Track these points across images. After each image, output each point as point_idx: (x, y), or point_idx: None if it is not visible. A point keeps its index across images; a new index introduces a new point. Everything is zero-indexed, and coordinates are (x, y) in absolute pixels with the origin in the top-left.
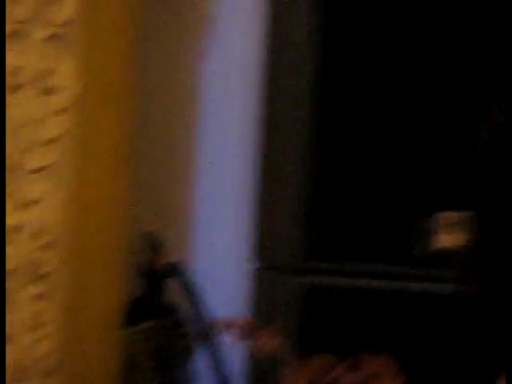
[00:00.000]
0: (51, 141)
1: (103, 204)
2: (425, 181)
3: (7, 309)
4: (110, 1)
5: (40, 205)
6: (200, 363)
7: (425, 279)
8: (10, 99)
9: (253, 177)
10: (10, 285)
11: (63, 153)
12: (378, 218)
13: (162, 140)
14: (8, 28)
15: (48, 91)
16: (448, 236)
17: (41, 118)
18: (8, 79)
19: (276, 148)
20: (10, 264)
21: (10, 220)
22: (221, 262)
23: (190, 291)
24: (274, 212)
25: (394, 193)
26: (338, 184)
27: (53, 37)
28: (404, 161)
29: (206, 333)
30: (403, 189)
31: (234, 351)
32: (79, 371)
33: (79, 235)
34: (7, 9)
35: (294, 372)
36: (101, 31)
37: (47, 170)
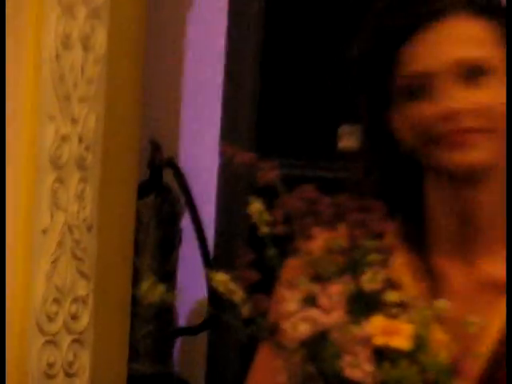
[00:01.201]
0: None
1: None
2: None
3: None
4: None
5: None
6: (186, 227)
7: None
8: None
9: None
10: None
11: None
12: (312, 123)
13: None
14: None
15: None
16: (346, 141)
17: None
18: None
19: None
20: None
21: None
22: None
23: (180, 178)
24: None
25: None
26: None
27: None
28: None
29: (191, 205)
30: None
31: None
32: None
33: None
34: None
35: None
36: None
37: None
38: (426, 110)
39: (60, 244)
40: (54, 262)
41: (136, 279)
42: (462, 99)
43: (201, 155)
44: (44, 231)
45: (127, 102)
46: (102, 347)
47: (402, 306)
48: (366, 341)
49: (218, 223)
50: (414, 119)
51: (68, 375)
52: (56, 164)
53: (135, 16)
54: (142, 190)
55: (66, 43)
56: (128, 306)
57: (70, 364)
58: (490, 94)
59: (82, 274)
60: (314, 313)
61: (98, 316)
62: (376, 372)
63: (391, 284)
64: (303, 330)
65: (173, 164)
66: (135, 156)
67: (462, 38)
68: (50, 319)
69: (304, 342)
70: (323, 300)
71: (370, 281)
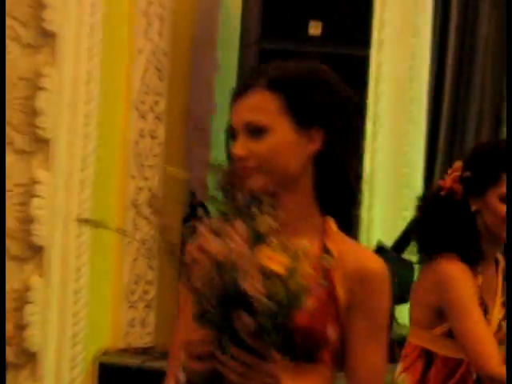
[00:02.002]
0: None
1: None
2: None
3: None
4: None
5: None
6: None
7: None
8: None
9: None
10: None
11: None
12: None
13: None
14: None
15: None
16: None
17: None
18: None
19: None
20: None
21: None
22: None
23: (207, 212)
24: None
25: None
26: None
27: None
28: None
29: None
30: None
31: None
32: None
33: None
34: None
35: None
36: None
37: None
38: (232, 150)
39: (138, 251)
40: (134, 260)
41: None
42: (245, 149)
43: None
44: (128, 243)
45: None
46: (162, 310)
47: (280, 242)
48: (256, 263)
49: None
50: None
51: (142, 327)
52: (135, 205)
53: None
54: (185, 220)
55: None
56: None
57: (143, 320)
58: (264, 147)
59: (150, 268)
60: (222, 240)
61: (160, 291)
62: (260, 286)
63: (274, 230)
64: (214, 249)
65: (203, 204)
66: (182, 199)
67: (252, 107)
68: (132, 293)
69: (215, 260)
70: (231, 233)
71: (262, 223)
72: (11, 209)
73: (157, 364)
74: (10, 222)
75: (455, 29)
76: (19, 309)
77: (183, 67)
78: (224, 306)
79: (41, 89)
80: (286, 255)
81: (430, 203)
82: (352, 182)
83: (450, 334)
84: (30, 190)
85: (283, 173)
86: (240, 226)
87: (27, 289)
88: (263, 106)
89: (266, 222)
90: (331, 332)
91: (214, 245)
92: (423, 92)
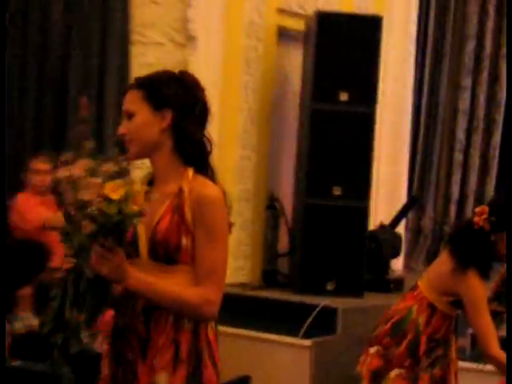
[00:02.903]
0: None
1: None
2: None
3: None
4: None
5: None
6: None
7: None
8: None
9: None
10: None
11: None
12: None
13: None
14: None
15: None
16: None
17: None
18: None
19: None
20: None
21: None
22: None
23: (284, 212)
24: None
25: None
26: None
27: None
28: None
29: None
30: None
31: None
32: None
33: None
34: None
35: None
36: None
37: None
38: (118, 129)
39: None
40: None
41: None
42: (124, 128)
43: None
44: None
45: None
46: None
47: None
48: (94, 187)
49: None
50: None
51: None
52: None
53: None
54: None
55: None
56: None
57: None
58: (133, 125)
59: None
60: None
61: None
62: (95, 198)
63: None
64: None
65: (281, 206)
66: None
67: (127, 100)
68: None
69: (67, 180)
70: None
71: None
72: None
73: None
74: None
75: None
76: None
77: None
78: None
79: None
80: (123, 190)
81: (466, 233)
82: (197, 143)
83: (453, 304)
84: None
85: (146, 142)
86: (83, 163)
87: None
88: (132, 98)
89: (109, 166)
90: (185, 241)
91: (64, 173)
92: None
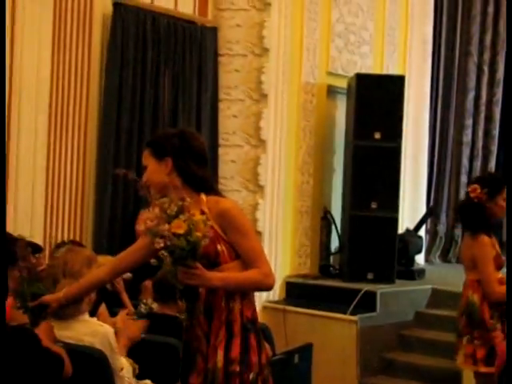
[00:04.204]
0: None
1: None
2: None
3: None
4: None
5: None
6: None
7: None
8: None
9: None
10: None
11: None
12: None
13: None
14: None
15: None
16: None
17: None
18: None
19: None
20: None
21: None
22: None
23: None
24: None
25: None
26: None
27: None
28: None
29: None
30: None
31: None
32: None
33: None
34: None
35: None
36: None
37: None
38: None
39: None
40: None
41: None
42: (145, 177)
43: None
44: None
45: None
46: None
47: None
48: (167, 229)
49: None
50: None
51: None
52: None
53: None
54: None
55: None
56: None
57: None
58: (147, 174)
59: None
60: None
61: None
62: (170, 236)
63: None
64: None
65: (331, 217)
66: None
67: (143, 157)
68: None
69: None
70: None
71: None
72: None
73: None
74: None
75: None
76: None
77: (321, 156)
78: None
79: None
80: (185, 224)
81: (469, 207)
82: (198, 176)
83: None
84: None
85: (158, 184)
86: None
87: None
88: (145, 155)
89: (173, 208)
90: (220, 247)
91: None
92: None
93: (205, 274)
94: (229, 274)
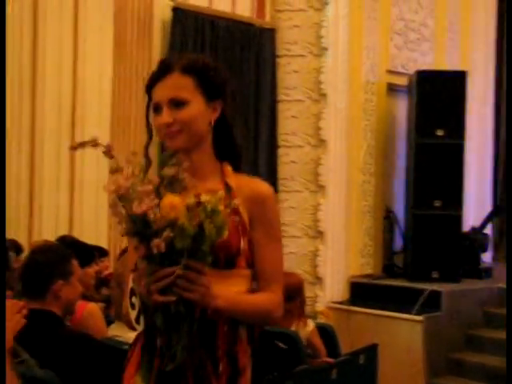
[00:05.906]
0: None
1: None
2: None
3: None
4: None
5: None
6: None
7: None
8: None
9: None
10: None
11: None
12: None
13: None
14: None
15: None
16: None
17: None
18: None
19: None
20: None
21: None
22: None
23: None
24: None
25: None
26: None
27: None
28: None
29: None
30: None
31: None
32: None
33: None
34: None
35: None
36: None
37: None
38: (158, 120)
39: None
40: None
41: None
42: (171, 117)
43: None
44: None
45: None
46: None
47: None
48: (148, 192)
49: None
50: (156, 124)
51: None
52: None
53: None
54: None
55: None
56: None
57: None
58: (186, 114)
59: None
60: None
61: None
62: (155, 206)
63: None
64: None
65: (394, 216)
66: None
67: (173, 86)
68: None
69: (117, 193)
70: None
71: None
72: None
73: None
74: None
75: None
76: None
77: (382, 155)
78: (143, 240)
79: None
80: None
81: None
82: (237, 137)
83: None
84: None
85: (196, 134)
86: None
87: None
88: (182, 85)
89: (169, 171)
90: (243, 244)
91: (117, 181)
92: None
93: (211, 286)
94: (239, 296)
